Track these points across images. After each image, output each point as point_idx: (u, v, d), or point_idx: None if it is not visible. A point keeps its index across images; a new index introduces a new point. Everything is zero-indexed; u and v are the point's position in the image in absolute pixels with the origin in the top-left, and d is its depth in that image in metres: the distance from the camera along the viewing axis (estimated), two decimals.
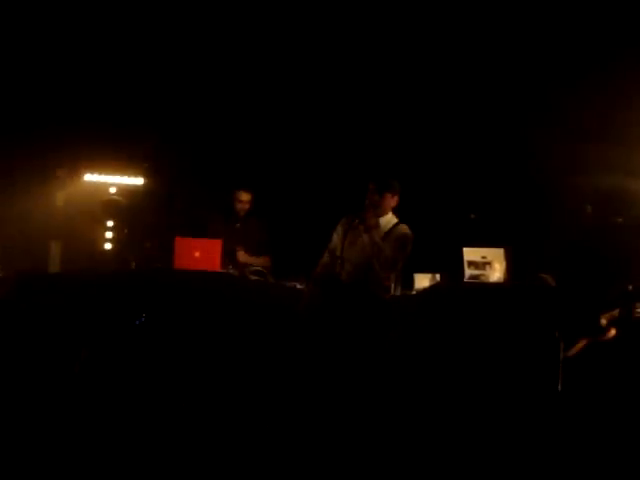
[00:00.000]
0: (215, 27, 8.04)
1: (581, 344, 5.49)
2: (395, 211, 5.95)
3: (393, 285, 5.84)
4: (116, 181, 9.33)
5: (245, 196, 6.98)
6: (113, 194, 9.25)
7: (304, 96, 8.33)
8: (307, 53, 8.11)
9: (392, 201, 5.85)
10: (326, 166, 8.33)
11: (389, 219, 5.84)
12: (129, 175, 9.34)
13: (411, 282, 6.27)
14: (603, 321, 5.55)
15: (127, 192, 9.28)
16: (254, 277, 6.38)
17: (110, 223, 9.17)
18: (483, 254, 5.87)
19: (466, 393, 5.37)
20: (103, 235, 9.18)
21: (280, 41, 8.06)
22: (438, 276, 6.21)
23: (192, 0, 7.84)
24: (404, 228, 5.80)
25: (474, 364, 5.43)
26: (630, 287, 5.81)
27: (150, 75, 8.45)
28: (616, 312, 5.63)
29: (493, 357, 5.43)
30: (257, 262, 6.67)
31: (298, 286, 6.21)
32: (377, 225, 5.69)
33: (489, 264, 5.82)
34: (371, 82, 8.26)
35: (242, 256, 6.68)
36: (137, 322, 6.01)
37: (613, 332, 5.53)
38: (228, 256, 6.44)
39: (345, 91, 8.30)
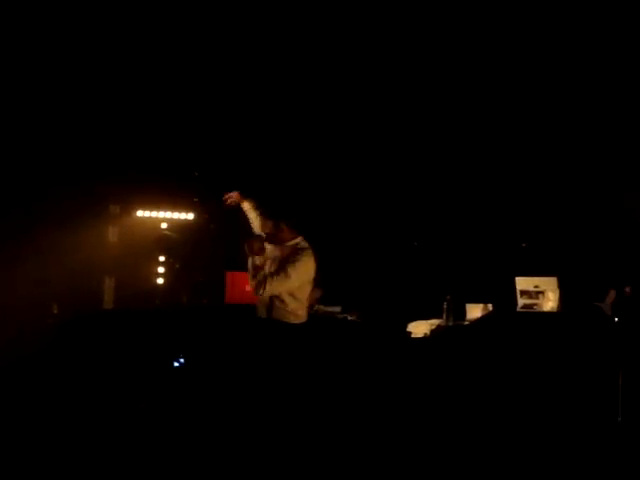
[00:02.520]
0: (250, 60, 8.15)
1: None
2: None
3: (306, 310, 5.72)
4: (167, 216, 9.43)
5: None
6: (164, 229, 9.34)
7: (334, 127, 8.38)
8: (332, 81, 8.15)
9: (281, 229, 5.74)
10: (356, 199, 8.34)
11: (293, 244, 5.76)
12: (180, 210, 9.44)
13: (463, 312, 6.22)
14: None
15: (178, 227, 9.37)
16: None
17: (162, 258, 9.26)
18: (536, 283, 5.79)
19: (523, 423, 5.29)
20: (155, 270, 9.26)
21: (305, 70, 8.12)
22: (490, 306, 6.14)
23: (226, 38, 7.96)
24: (299, 248, 5.70)
25: (531, 394, 5.36)
26: None
27: (197, 114, 8.58)
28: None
29: (550, 387, 5.34)
30: (311, 297, 6.63)
31: (349, 317, 6.21)
32: (260, 250, 5.64)
33: (542, 293, 5.74)
34: (409, 108, 8.27)
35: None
36: (177, 364, 6.04)
37: None
38: None
39: (378, 117, 8.32)
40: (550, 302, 5.71)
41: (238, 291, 6.12)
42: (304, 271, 5.47)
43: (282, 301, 5.51)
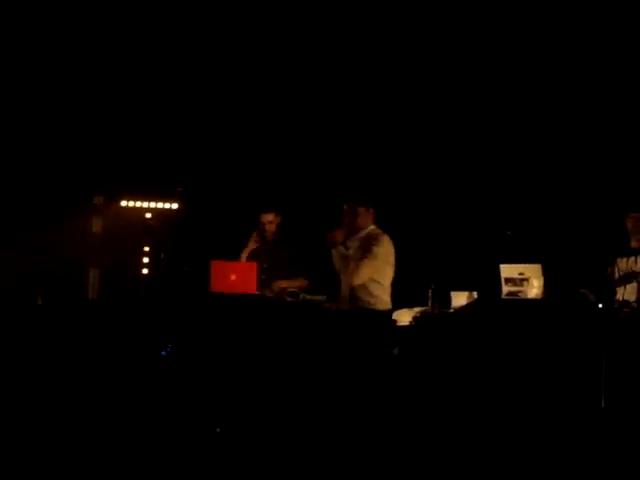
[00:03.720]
0: (251, 57, 8.15)
1: None
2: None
3: (389, 294, 5.82)
4: (151, 206, 9.39)
5: (268, 217, 6.93)
6: (149, 219, 9.31)
7: (331, 122, 8.38)
8: (339, 82, 8.18)
9: (367, 215, 5.82)
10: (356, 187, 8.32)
11: (369, 231, 5.81)
12: (164, 200, 9.40)
13: (448, 300, 6.22)
14: None
15: (163, 217, 9.34)
16: (289, 298, 6.36)
17: (146, 248, 9.23)
18: (520, 270, 5.80)
19: (508, 410, 5.31)
20: (140, 260, 9.24)
21: (313, 72, 8.14)
22: (475, 294, 6.15)
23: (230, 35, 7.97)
24: (375, 233, 5.77)
25: (515, 381, 5.38)
26: None
27: (183, 103, 8.55)
28: None
29: (535, 374, 5.37)
30: (293, 285, 6.63)
31: (334, 306, 6.20)
32: (341, 240, 5.73)
33: (527, 280, 5.75)
34: (400, 105, 8.28)
35: (276, 285, 6.61)
36: (164, 352, 6.04)
37: None
38: (261, 279, 6.43)
39: (373, 114, 8.33)
40: (535, 289, 5.72)
41: (223, 280, 6.10)
42: (385, 252, 5.62)
43: (363, 287, 5.62)
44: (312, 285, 6.65)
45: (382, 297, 5.88)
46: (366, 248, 5.79)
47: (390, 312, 5.95)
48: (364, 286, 5.76)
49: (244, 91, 8.46)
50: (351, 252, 5.88)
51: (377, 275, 5.82)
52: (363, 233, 5.94)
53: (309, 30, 7.99)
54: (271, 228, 6.93)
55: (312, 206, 8.42)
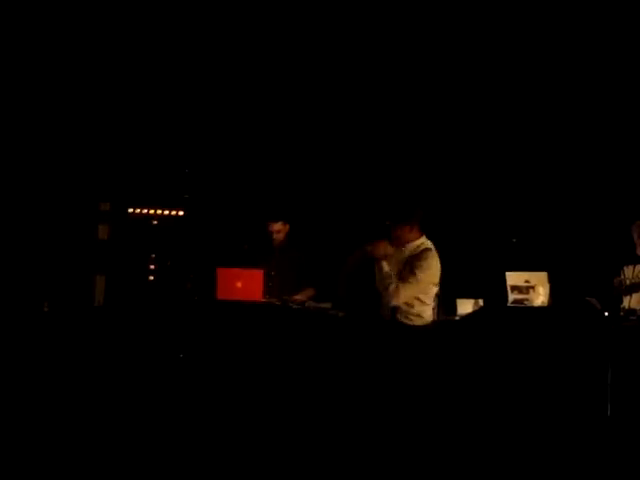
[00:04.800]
0: (260, 66, 8.18)
1: None
2: (433, 235, 5.86)
3: (431, 311, 5.72)
4: (158, 213, 9.40)
5: (276, 226, 6.95)
6: (155, 226, 9.32)
7: (340, 129, 8.39)
8: (349, 89, 8.19)
9: (409, 229, 5.70)
10: (365, 197, 8.34)
11: (418, 244, 5.73)
12: (170, 207, 9.41)
13: (454, 308, 6.22)
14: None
15: (169, 224, 9.35)
16: (295, 306, 6.36)
17: (153, 255, 9.24)
18: (526, 278, 5.80)
19: (513, 418, 5.30)
20: (146, 267, 9.25)
21: (320, 81, 8.16)
22: (481, 301, 6.15)
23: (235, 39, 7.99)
24: (422, 250, 5.67)
25: (521, 389, 5.37)
26: None
27: (191, 110, 8.57)
28: None
29: (540, 382, 5.36)
30: (302, 297, 6.63)
31: (339, 314, 6.21)
32: (385, 254, 5.62)
33: (532, 288, 5.75)
34: (410, 111, 8.29)
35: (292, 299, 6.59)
36: (175, 360, 6.05)
37: None
38: (268, 287, 6.44)
39: (383, 122, 8.33)
40: (540, 297, 5.72)
41: (229, 287, 6.11)
42: (431, 273, 5.47)
43: (408, 304, 5.52)
44: (319, 293, 6.67)
45: (424, 315, 5.68)
46: (412, 268, 5.57)
47: (423, 327, 5.78)
48: (409, 303, 5.58)
49: (252, 99, 8.48)
50: (394, 268, 5.65)
51: (422, 295, 5.64)
52: (411, 246, 5.70)
53: (321, 40, 8.00)
54: (279, 237, 6.94)
55: (319, 214, 8.43)
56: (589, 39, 7.51)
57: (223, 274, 6.13)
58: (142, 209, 9.33)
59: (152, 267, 9.30)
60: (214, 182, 8.97)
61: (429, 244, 5.68)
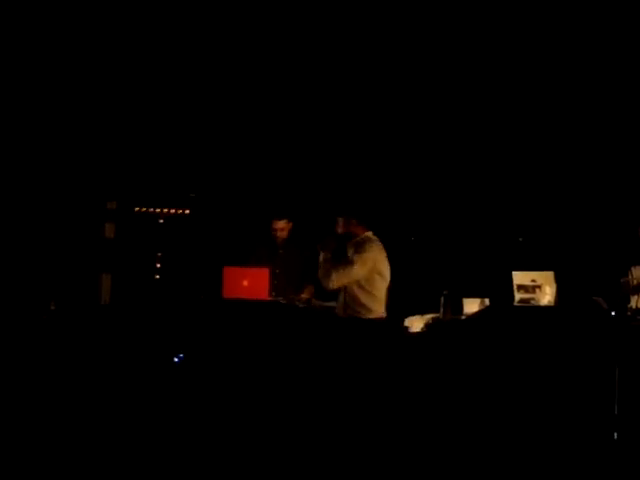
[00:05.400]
0: (263, 64, 8.19)
1: None
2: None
3: (381, 305, 5.76)
4: (164, 212, 9.40)
5: (280, 224, 6.95)
6: (161, 225, 9.32)
7: (343, 129, 8.40)
8: (350, 89, 8.21)
9: (353, 223, 5.82)
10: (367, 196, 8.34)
11: (362, 238, 5.77)
12: (176, 206, 9.41)
13: (460, 307, 6.21)
14: None
15: (175, 223, 9.35)
16: (301, 304, 6.37)
17: (159, 254, 9.24)
18: (533, 277, 5.78)
19: (520, 418, 5.29)
20: (153, 266, 9.24)
21: (323, 82, 8.17)
22: (487, 301, 6.13)
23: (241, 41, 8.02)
24: (363, 240, 5.73)
25: (528, 389, 5.36)
26: None
27: (196, 109, 8.59)
28: None
29: (547, 382, 5.35)
30: (307, 295, 6.64)
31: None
32: (330, 247, 5.75)
33: (539, 287, 5.74)
34: (411, 112, 8.30)
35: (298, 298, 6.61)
36: (176, 360, 6.06)
37: None
38: (273, 284, 6.44)
39: (386, 123, 8.34)
40: (547, 296, 5.71)
41: (235, 286, 6.12)
42: (369, 259, 5.54)
43: (353, 296, 5.59)
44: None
45: (371, 306, 5.75)
46: (349, 256, 5.73)
47: (382, 320, 5.83)
48: (354, 295, 5.68)
49: (257, 99, 8.48)
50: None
51: (366, 284, 5.70)
52: (355, 241, 5.86)
53: (323, 42, 8.01)
54: (283, 235, 6.95)
55: (322, 212, 8.43)
56: (594, 39, 7.50)
57: (229, 273, 6.14)
58: (148, 208, 9.33)
59: (158, 266, 9.30)
60: (219, 181, 8.97)
61: (374, 238, 5.75)
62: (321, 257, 5.84)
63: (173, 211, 9.41)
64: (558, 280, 5.74)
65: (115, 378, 6.11)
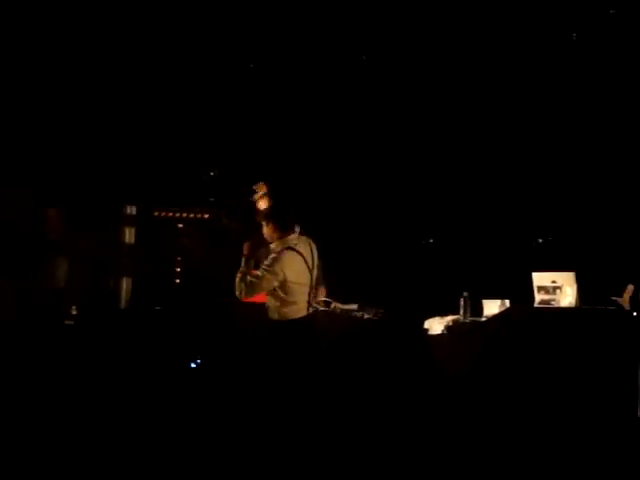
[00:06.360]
0: (282, 71, 8.22)
1: None
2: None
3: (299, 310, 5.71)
4: (184, 216, 9.42)
5: None
6: (181, 229, 9.35)
7: (355, 137, 8.42)
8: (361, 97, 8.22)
9: (270, 227, 5.72)
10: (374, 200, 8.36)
11: (278, 244, 5.69)
12: (196, 210, 9.43)
13: (480, 309, 6.18)
14: None
15: (194, 227, 9.37)
16: (321, 307, 6.36)
17: (179, 258, 9.26)
18: (553, 278, 5.74)
19: (542, 419, 5.26)
20: (172, 270, 9.26)
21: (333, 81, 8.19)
22: (507, 302, 6.10)
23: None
24: (281, 249, 5.66)
25: (549, 390, 5.33)
26: None
27: (215, 115, 8.62)
28: None
29: (569, 383, 5.31)
30: (320, 299, 6.61)
31: (365, 315, 6.20)
32: (248, 252, 5.68)
33: (559, 288, 5.69)
34: (421, 102, 8.29)
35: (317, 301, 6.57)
36: (194, 364, 6.06)
37: None
38: None
39: (401, 129, 8.35)
40: (568, 297, 5.66)
41: None
42: (278, 271, 5.47)
43: (272, 303, 5.58)
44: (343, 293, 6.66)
45: (287, 312, 5.68)
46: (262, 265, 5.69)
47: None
48: (272, 302, 5.63)
49: (285, 106, 8.53)
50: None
51: (282, 293, 5.53)
52: (273, 245, 5.73)
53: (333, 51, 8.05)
54: None
55: (332, 215, 8.44)
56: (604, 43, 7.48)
57: None
58: (167, 212, 9.36)
59: (178, 270, 9.32)
60: (237, 184, 8.99)
61: (290, 244, 5.66)
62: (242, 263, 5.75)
63: (192, 215, 9.43)
64: (579, 281, 5.69)
65: (133, 382, 6.13)
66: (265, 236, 5.76)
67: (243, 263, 5.63)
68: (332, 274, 6.96)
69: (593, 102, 7.84)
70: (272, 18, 8.03)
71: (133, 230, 9.28)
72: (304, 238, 5.72)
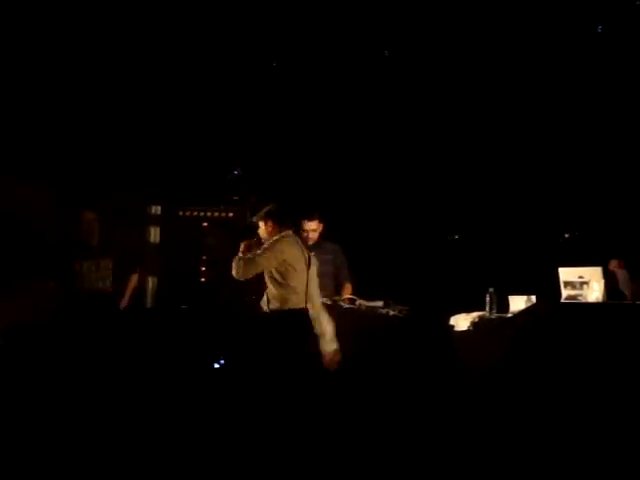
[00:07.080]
0: (300, 71, 8.24)
1: None
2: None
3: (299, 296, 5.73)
4: (208, 215, 9.45)
5: (311, 225, 6.91)
6: (205, 228, 9.37)
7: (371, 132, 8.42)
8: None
9: (269, 225, 5.86)
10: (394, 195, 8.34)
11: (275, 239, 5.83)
12: (220, 209, 9.45)
13: (506, 304, 6.15)
14: None
15: (219, 226, 9.39)
16: (346, 305, 6.35)
17: (204, 257, 9.29)
18: (580, 274, 5.70)
19: (568, 417, 5.22)
20: (198, 269, 9.29)
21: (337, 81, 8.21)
22: (534, 297, 6.06)
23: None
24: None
25: (575, 387, 5.28)
26: None
27: (236, 115, 8.66)
28: None
29: (596, 379, 5.26)
30: (345, 296, 6.61)
31: (391, 312, 6.20)
32: (245, 249, 5.83)
33: (587, 284, 5.65)
34: (445, 98, 8.27)
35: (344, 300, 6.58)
36: (216, 365, 6.08)
37: None
38: None
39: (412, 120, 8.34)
40: (595, 292, 5.61)
41: None
42: (276, 250, 5.61)
43: (270, 289, 5.69)
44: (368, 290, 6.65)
45: (287, 297, 5.72)
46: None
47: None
48: (270, 288, 5.73)
49: (308, 104, 8.55)
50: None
51: (279, 276, 5.68)
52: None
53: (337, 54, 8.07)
54: (314, 236, 6.91)
55: (351, 211, 8.45)
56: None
57: None
58: (192, 211, 9.39)
59: (203, 269, 9.35)
60: (261, 183, 9.01)
61: (289, 235, 5.78)
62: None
63: (217, 214, 9.46)
64: (606, 276, 5.63)
65: (157, 381, 6.16)
66: (261, 236, 5.86)
67: (241, 248, 5.78)
68: (357, 271, 6.97)
69: (622, 95, 7.77)
70: (295, 16, 8.03)
71: (158, 229, 9.33)
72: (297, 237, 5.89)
